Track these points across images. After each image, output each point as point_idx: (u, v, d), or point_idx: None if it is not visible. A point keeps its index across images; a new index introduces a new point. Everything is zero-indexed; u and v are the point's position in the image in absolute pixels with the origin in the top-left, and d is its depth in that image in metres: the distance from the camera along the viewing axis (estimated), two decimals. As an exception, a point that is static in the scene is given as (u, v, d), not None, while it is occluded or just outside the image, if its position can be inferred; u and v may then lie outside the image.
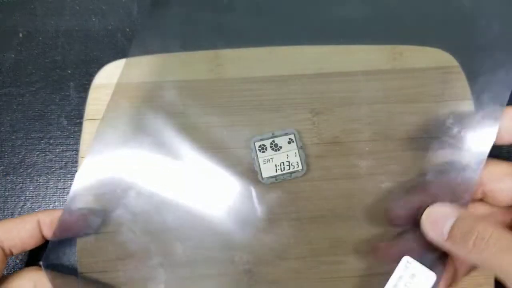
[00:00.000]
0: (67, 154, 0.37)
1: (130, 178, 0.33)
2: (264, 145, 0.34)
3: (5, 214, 0.37)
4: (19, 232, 0.30)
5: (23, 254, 0.35)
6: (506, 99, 0.31)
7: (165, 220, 0.32)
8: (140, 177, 0.33)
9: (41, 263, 0.30)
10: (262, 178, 0.33)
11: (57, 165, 0.37)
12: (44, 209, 0.33)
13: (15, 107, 0.38)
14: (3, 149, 0.37)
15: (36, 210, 0.37)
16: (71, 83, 0.38)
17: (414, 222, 0.30)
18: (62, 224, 0.30)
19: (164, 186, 0.33)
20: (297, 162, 0.33)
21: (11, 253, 0.30)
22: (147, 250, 0.32)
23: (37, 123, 0.37)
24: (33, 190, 0.37)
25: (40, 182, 0.36)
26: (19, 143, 0.37)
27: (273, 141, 0.34)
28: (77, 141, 0.36)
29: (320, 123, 0.35)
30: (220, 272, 0.32)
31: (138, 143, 0.34)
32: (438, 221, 0.28)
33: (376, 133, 0.34)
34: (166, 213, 0.32)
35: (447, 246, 0.28)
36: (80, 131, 0.35)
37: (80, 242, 0.32)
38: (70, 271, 0.33)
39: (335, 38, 0.38)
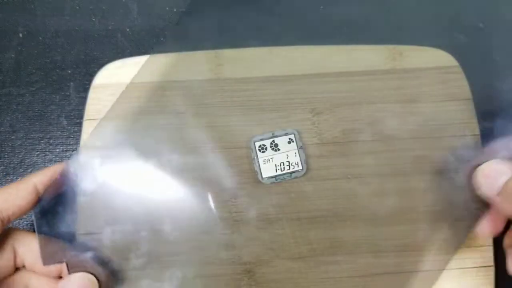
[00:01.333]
0: (67, 154, 0.37)
1: (128, 178, 0.33)
2: (264, 145, 0.34)
3: (5, 214, 0.37)
4: (15, 200, 0.29)
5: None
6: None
7: (163, 221, 0.32)
8: (137, 176, 0.33)
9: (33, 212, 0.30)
10: (262, 178, 0.33)
11: (57, 165, 0.37)
12: (38, 171, 0.32)
13: (15, 107, 0.38)
14: (3, 149, 0.37)
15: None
16: (71, 83, 0.38)
17: None
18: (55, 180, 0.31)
19: (162, 185, 0.33)
20: (297, 162, 0.33)
21: (9, 221, 0.29)
22: (148, 252, 0.32)
23: (37, 123, 0.37)
24: (33, 190, 0.36)
25: (40, 182, 0.36)
26: (19, 143, 0.37)
27: (273, 141, 0.34)
28: (77, 141, 0.36)
29: (320, 123, 0.35)
30: (220, 272, 0.32)
31: (137, 143, 0.34)
32: (492, 176, 0.30)
33: (376, 133, 0.34)
34: (164, 215, 0.32)
35: (497, 200, 0.29)
36: (80, 131, 0.35)
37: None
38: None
39: (335, 38, 0.38)
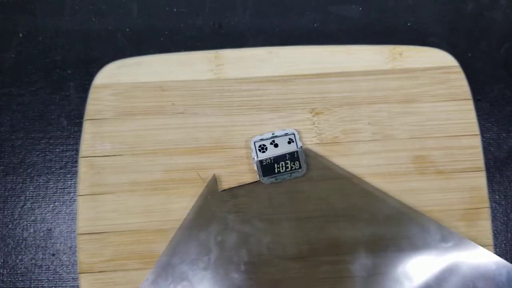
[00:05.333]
0: (67, 154, 0.37)
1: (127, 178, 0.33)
2: (264, 145, 0.34)
3: (5, 214, 0.37)
4: None
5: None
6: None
7: (164, 222, 0.32)
8: (137, 176, 0.33)
9: None
10: (262, 178, 0.33)
11: (57, 165, 0.37)
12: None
13: (15, 107, 0.38)
14: (3, 149, 0.37)
15: (36, 210, 0.37)
16: (71, 83, 0.38)
17: None
18: None
19: (162, 185, 0.33)
20: (297, 162, 0.33)
21: None
22: (145, 252, 0.32)
23: (37, 123, 0.37)
24: (33, 190, 0.37)
25: (40, 182, 0.36)
26: (19, 143, 0.37)
27: (273, 141, 0.34)
28: (77, 141, 0.37)
29: (320, 123, 0.35)
30: (220, 272, 0.32)
31: (137, 143, 0.34)
32: None
33: (376, 133, 0.34)
34: (163, 214, 0.32)
35: None
36: (80, 131, 0.35)
37: (80, 242, 0.32)
38: None
39: (335, 38, 0.38)
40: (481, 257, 0.31)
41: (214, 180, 0.33)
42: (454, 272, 0.31)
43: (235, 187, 0.33)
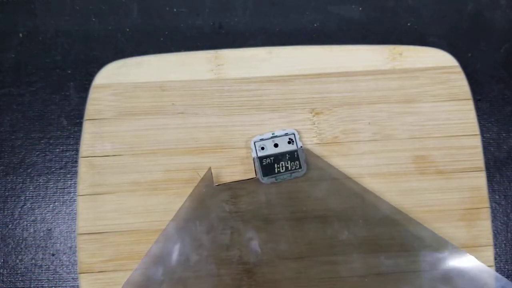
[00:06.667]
0: (67, 154, 0.37)
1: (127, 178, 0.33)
2: (264, 145, 0.34)
3: (5, 214, 0.37)
4: None
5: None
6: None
7: (164, 221, 0.32)
8: (137, 176, 0.33)
9: None
10: (262, 178, 0.33)
11: (57, 165, 0.37)
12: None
13: (15, 107, 0.38)
14: (3, 149, 0.37)
15: (36, 210, 0.37)
16: (71, 83, 0.38)
17: None
18: None
19: (162, 185, 0.33)
20: (297, 162, 0.33)
21: None
22: (145, 252, 0.32)
23: (37, 123, 0.37)
24: (33, 190, 0.37)
25: (40, 182, 0.36)
26: (19, 143, 0.37)
27: (273, 141, 0.34)
28: (77, 141, 0.36)
29: (320, 123, 0.35)
30: (220, 272, 0.32)
31: (137, 143, 0.34)
32: None
33: (376, 133, 0.34)
34: (163, 214, 0.32)
35: None
36: (80, 131, 0.35)
37: (80, 242, 0.32)
38: None
39: (335, 38, 0.38)
40: (475, 269, 0.31)
41: (210, 174, 0.32)
42: (447, 283, 0.31)
43: (231, 182, 0.33)
